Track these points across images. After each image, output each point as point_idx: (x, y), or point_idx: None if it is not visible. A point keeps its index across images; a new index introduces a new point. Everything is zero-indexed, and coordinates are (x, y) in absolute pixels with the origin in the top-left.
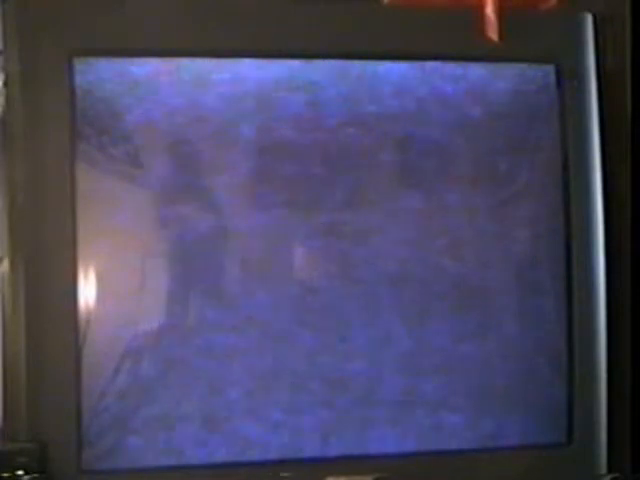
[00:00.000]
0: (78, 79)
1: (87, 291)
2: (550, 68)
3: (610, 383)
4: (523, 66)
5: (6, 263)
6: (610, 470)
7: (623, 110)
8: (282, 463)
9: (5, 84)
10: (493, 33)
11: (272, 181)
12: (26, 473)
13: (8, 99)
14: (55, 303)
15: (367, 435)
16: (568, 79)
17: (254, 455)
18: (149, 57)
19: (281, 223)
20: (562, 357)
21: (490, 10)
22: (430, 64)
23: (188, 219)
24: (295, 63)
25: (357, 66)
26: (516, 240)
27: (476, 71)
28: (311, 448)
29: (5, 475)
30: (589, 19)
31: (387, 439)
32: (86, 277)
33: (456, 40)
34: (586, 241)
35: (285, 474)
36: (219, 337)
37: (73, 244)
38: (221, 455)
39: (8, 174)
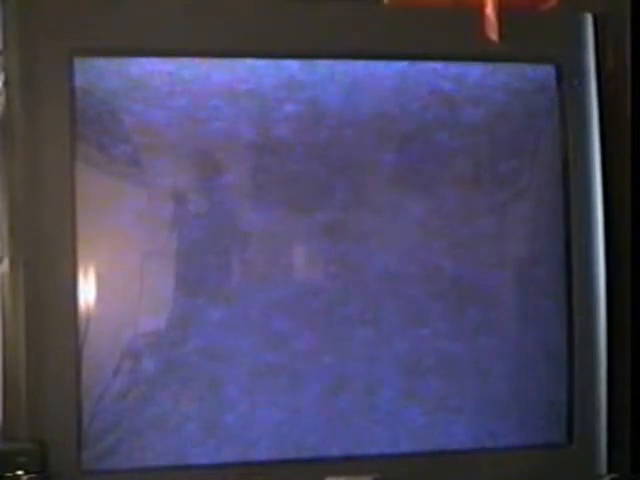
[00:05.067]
0: (78, 79)
1: (87, 291)
2: (550, 68)
3: (610, 383)
4: (523, 66)
5: (6, 263)
6: (610, 470)
7: (623, 110)
8: (282, 463)
9: (5, 84)
10: (493, 33)
11: (272, 181)
12: (26, 473)
13: (8, 99)
14: (55, 303)
15: (367, 435)
16: (568, 79)
17: (254, 455)
18: (149, 57)
19: (281, 223)
20: (562, 357)
21: (490, 10)
22: (430, 64)
23: (188, 219)
24: (295, 63)
25: (357, 66)
26: (516, 240)
27: (476, 71)
28: (311, 448)
29: (5, 475)
30: (589, 19)
31: (387, 439)
32: (86, 277)
33: (456, 40)
34: (586, 241)
35: (285, 474)
36: (219, 337)
37: (73, 244)
38: (221, 455)
39: (8, 174)
